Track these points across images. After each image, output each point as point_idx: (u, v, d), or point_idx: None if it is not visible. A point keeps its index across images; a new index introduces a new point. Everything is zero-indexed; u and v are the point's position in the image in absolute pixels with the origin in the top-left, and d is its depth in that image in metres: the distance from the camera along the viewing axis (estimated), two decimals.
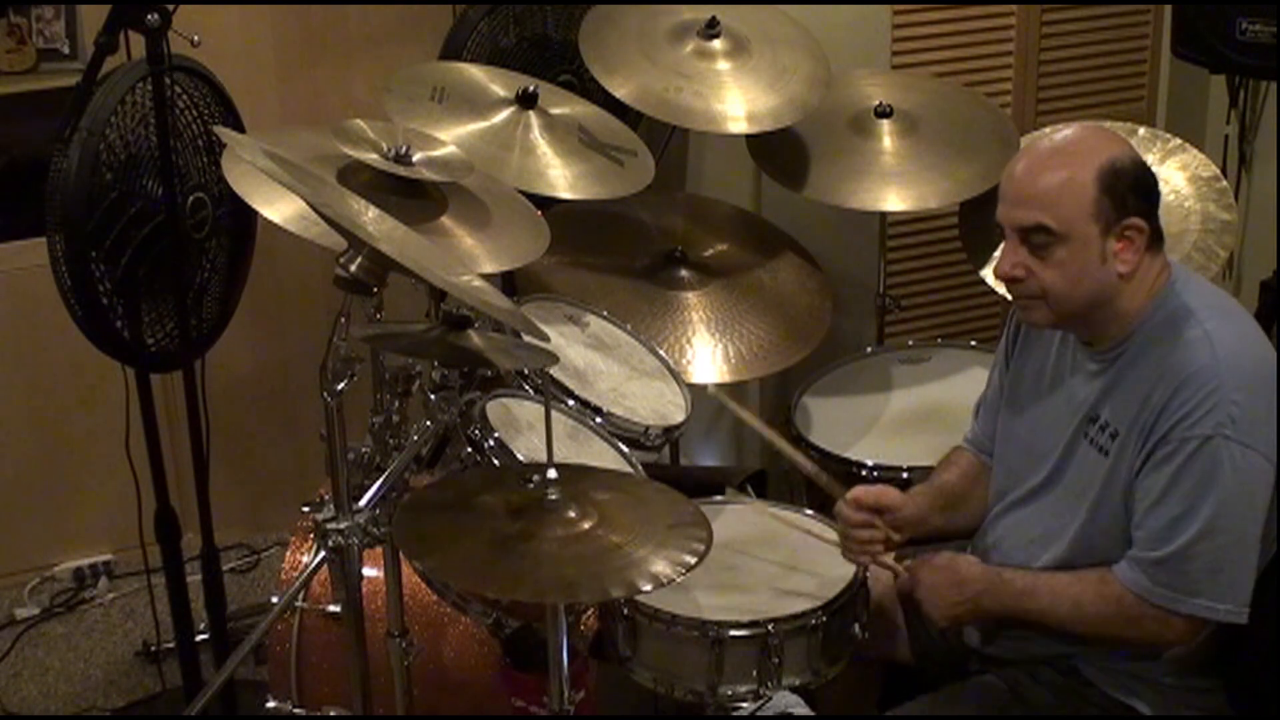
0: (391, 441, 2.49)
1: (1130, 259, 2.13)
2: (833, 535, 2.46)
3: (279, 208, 2.51)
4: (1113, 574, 2.15)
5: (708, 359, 3.11)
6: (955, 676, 2.37)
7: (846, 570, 2.37)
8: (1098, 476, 2.19)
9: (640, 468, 2.64)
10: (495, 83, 3.02)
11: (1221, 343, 2.10)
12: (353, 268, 1.98)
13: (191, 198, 2.77)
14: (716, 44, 3.19)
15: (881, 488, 2.41)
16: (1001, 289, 2.31)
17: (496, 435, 2.44)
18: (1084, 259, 2.13)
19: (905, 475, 2.80)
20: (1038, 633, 2.25)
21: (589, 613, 2.46)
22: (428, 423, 2.41)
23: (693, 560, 1.98)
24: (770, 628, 2.22)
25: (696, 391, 2.94)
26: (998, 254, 2.23)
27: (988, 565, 2.30)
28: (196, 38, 2.62)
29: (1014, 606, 2.24)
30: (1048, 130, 2.35)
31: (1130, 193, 2.12)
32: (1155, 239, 2.17)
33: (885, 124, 3.31)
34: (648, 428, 2.73)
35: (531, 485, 2.07)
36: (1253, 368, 2.11)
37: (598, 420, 2.67)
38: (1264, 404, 2.09)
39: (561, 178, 2.88)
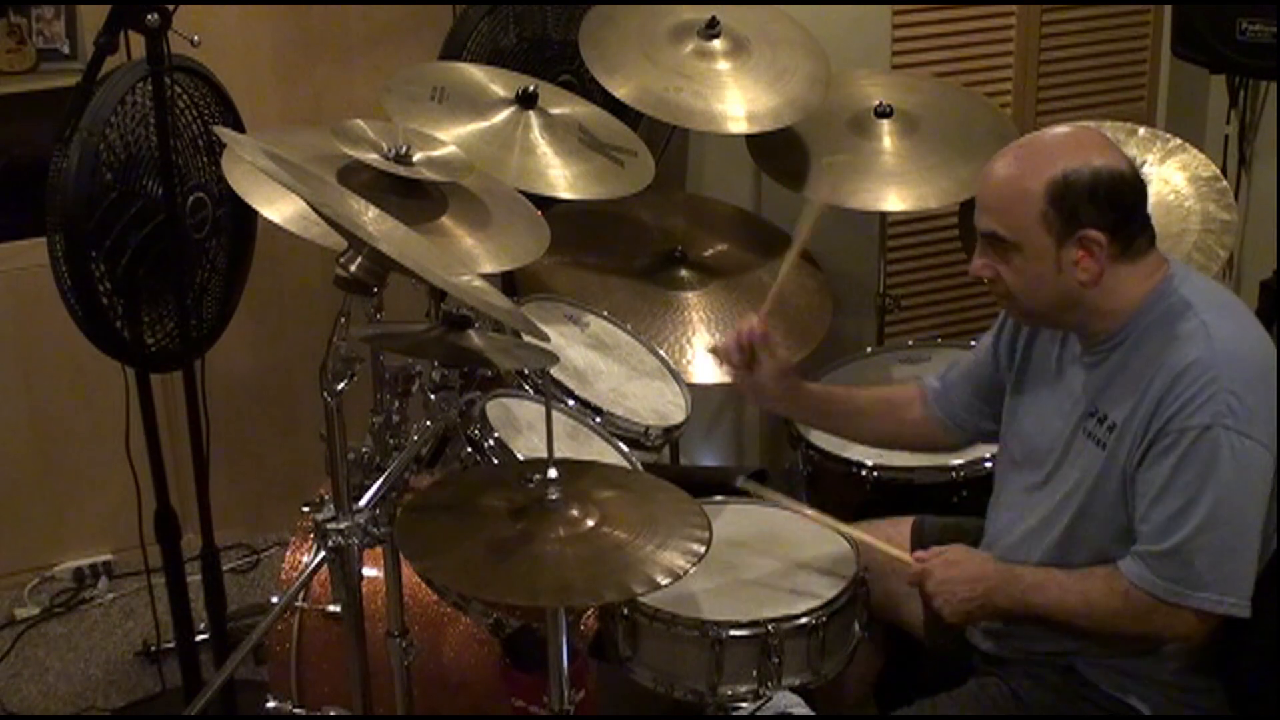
0: (391, 441, 2.49)
1: (1091, 268, 2.12)
2: (833, 535, 2.47)
3: (279, 208, 2.51)
4: (1119, 569, 2.15)
5: (708, 359, 3.11)
6: (957, 672, 2.37)
7: (847, 570, 2.37)
8: (1093, 469, 2.19)
9: (640, 468, 2.64)
10: (495, 83, 3.02)
11: (1218, 334, 2.10)
12: (353, 268, 1.98)
13: (191, 198, 2.77)
14: (716, 44, 3.19)
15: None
16: None
17: (496, 435, 2.44)
18: (1039, 267, 2.13)
19: (909, 475, 2.81)
20: (1047, 629, 2.25)
21: (589, 613, 2.46)
22: (428, 423, 2.41)
23: (692, 563, 1.98)
24: (770, 628, 2.22)
25: (697, 391, 2.94)
26: None
27: (998, 561, 2.30)
28: (196, 38, 2.62)
29: (1024, 602, 2.23)
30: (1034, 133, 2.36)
31: (1086, 205, 2.10)
32: (1129, 247, 2.14)
33: (885, 124, 3.31)
34: (648, 428, 2.73)
35: (532, 485, 2.07)
36: (1250, 359, 2.11)
37: (598, 420, 2.67)
38: (1262, 394, 2.08)
39: (561, 178, 2.88)
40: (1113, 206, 2.12)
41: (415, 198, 2.57)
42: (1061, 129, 2.26)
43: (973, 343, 3.26)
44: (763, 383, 2.47)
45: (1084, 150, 2.14)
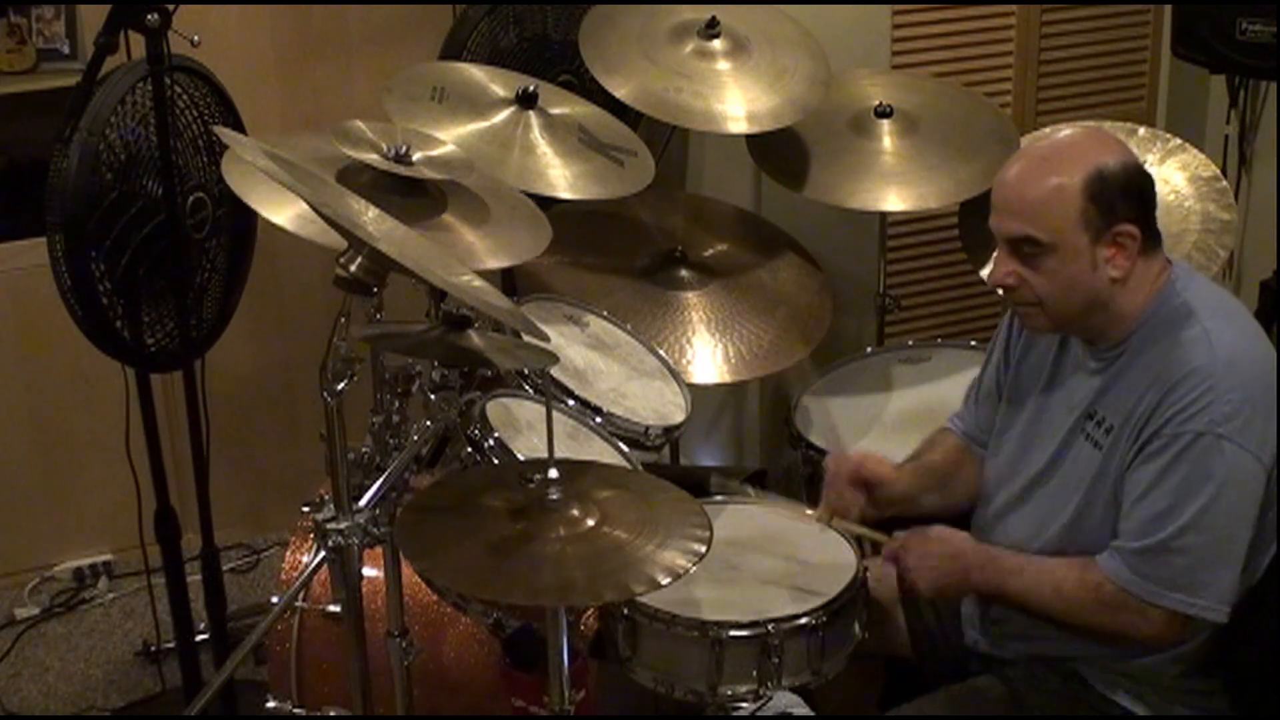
0: (391, 441, 2.48)
1: (1123, 264, 2.13)
2: (834, 535, 2.46)
3: (279, 208, 2.51)
4: (1095, 562, 2.16)
5: (708, 359, 3.11)
6: (955, 676, 2.37)
7: (847, 570, 2.36)
8: (1090, 470, 2.20)
9: (640, 468, 2.63)
10: (495, 83, 3.02)
11: (1220, 341, 2.10)
12: (353, 268, 1.98)
13: (191, 198, 2.77)
14: (716, 44, 3.19)
15: (876, 460, 2.46)
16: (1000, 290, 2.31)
17: (496, 435, 2.44)
18: (1074, 267, 2.13)
19: None
20: (1020, 613, 2.25)
21: (589, 613, 2.46)
22: (428, 423, 2.41)
23: (692, 563, 1.98)
24: (770, 628, 2.22)
25: (697, 391, 2.94)
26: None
27: (980, 543, 2.31)
28: (196, 38, 2.62)
29: (1000, 584, 2.25)
30: (1046, 131, 2.35)
31: (1120, 199, 2.11)
32: (1151, 242, 2.16)
33: (885, 124, 3.31)
34: (648, 428, 2.73)
35: (532, 485, 2.06)
36: (1250, 367, 2.11)
37: (598, 420, 2.67)
38: (1260, 404, 2.09)
39: (561, 178, 2.88)
40: (1140, 199, 2.14)
41: (415, 197, 2.57)
42: (1071, 129, 2.27)
43: (973, 343, 3.29)
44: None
45: (1106, 147, 2.16)
